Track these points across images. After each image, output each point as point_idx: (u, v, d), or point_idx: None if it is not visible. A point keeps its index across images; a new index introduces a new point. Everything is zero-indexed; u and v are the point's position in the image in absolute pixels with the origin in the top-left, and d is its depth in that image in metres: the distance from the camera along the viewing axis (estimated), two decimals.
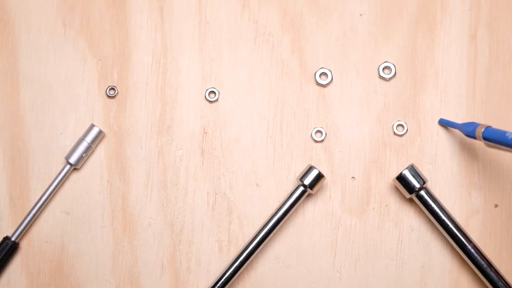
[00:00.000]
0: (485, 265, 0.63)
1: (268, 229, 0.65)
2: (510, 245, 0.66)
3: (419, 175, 0.64)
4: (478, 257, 0.63)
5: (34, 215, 0.67)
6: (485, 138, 0.59)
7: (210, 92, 0.69)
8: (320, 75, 0.68)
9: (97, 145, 0.68)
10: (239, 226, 0.67)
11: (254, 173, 0.68)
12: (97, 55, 0.70)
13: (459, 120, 0.67)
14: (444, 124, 0.67)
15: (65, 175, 0.67)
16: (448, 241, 0.65)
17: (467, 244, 0.63)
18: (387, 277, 0.66)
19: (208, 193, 0.68)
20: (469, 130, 0.62)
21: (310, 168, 0.65)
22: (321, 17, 0.69)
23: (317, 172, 0.64)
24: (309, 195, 0.67)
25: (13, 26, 0.70)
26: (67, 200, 0.68)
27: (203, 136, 0.68)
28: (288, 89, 0.69)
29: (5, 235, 0.67)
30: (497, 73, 0.68)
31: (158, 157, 0.68)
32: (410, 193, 0.64)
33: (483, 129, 0.59)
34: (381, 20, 0.69)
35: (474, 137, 0.61)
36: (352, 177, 0.67)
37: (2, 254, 0.66)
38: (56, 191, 0.68)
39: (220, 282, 0.65)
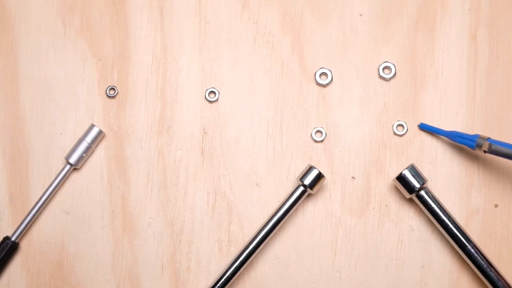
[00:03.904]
0: (485, 265, 0.63)
1: (268, 229, 0.65)
2: (510, 245, 0.66)
3: (419, 175, 0.64)
4: (478, 257, 0.63)
5: (34, 215, 0.67)
6: (492, 152, 0.61)
7: (210, 92, 0.69)
8: (320, 75, 0.68)
9: (97, 145, 0.68)
10: (239, 226, 0.67)
11: (254, 173, 0.68)
12: (97, 55, 0.70)
13: (459, 120, 0.67)
14: (426, 129, 0.67)
15: (65, 175, 0.67)
16: (448, 241, 0.65)
17: (467, 244, 0.63)
18: (387, 277, 0.66)
19: (208, 193, 0.68)
20: (463, 135, 0.64)
21: (310, 168, 0.65)
22: (321, 17, 0.69)
23: (317, 172, 0.64)
24: (309, 195, 0.67)
25: (13, 26, 0.70)
26: (67, 200, 0.68)
27: (203, 136, 0.68)
28: (288, 89, 0.69)
29: (5, 235, 0.67)
30: (497, 73, 0.68)
31: (158, 157, 0.68)
32: (410, 193, 0.64)
33: (484, 141, 0.61)
34: (381, 20, 0.69)
35: (471, 145, 0.63)
36: (352, 177, 0.67)
37: (2, 254, 0.66)
38: (56, 191, 0.68)
39: (220, 282, 0.65)
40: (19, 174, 0.69)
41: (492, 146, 0.61)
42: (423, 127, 0.67)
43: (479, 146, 0.62)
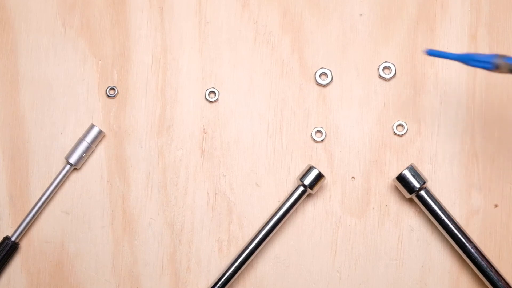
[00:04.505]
0: (485, 265, 0.63)
1: (268, 229, 0.65)
2: (510, 245, 0.66)
3: (419, 175, 0.64)
4: (478, 257, 0.63)
5: (34, 215, 0.67)
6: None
7: (210, 92, 0.69)
8: (320, 75, 0.68)
9: (97, 145, 0.68)
10: (239, 226, 0.67)
11: (254, 173, 0.68)
12: (97, 55, 0.70)
13: (460, 121, 0.67)
14: (435, 55, 0.59)
15: (65, 175, 0.67)
16: (448, 241, 0.65)
17: (467, 244, 0.63)
18: (387, 277, 0.66)
19: (208, 193, 0.68)
20: (479, 58, 0.57)
21: (310, 168, 0.65)
22: (321, 17, 0.69)
23: (317, 172, 0.64)
24: (309, 195, 0.67)
25: (13, 26, 0.70)
26: (67, 200, 0.68)
27: (203, 136, 0.68)
28: (288, 89, 0.69)
29: (5, 235, 0.67)
30: (497, 73, 0.68)
31: (158, 157, 0.68)
32: (410, 193, 0.64)
33: (502, 61, 0.56)
34: (381, 20, 0.69)
35: (488, 67, 0.57)
36: (352, 177, 0.67)
37: (2, 254, 0.66)
38: (56, 191, 0.68)
39: (220, 282, 0.65)
40: (19, 174, 0.69)
41: None
42: (431, 53, 0.59)
43: (497, 67, 0.56)
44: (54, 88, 0.69)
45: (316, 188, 0.65)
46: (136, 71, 0.69)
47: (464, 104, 0.68)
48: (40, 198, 0.67)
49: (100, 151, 0.69)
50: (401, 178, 0.64)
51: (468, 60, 0.58)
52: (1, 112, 0.69)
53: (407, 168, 0.64)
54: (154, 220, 0.68)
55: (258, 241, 0.65)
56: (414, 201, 0.66)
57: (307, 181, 0.64)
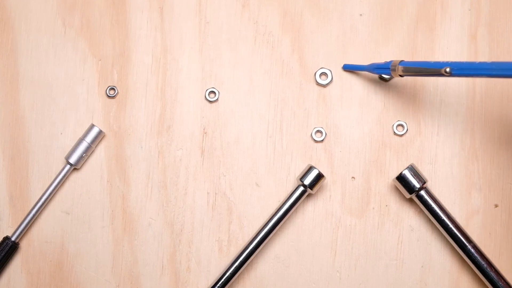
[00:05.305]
0: (485, 265, 0.63)
1: (268, 229, 0.65)
2: (510, 245, 0.66)
3: (419, 175, 0.64)
4: (478, 257, 0.63)
5: (34, 215, 0.67)
6: (404, 65, 0.61)
7: (210, 92, 0.69)
8: (320, 75, 0.68)
9: (97, 145, 0.68)
10: (239, 226, 0.67)
11: (254, 173, 0.68)
12: (97, 55, 0.70)
13: (459, 119, 0.67)
14: (350, 69, 0.68)
15: (65, 175, 0.67)
16: (448, 241, 0.65)
17: (467, 244, 0.63)
18: (387, 277, 0.66)
19: (208, 193, 0.68)
20: (380, 66, 0.64)
21: (310, 168, 0.65)
22: (321, 17, 0.69)
23: (317, 172, 0.64)
24: (309, 195, 0.67)
25: (13, 26, 0.70)
26: (67, 200, 0.68)
27: (203, 136, 0.68)
28: (288, 89, 0.69)
29: (5, 235, 0.67)
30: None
31: (158, 157, 0.68)
32: (410, 193, 0.64)
33: (396, 65, 0.62)
34: (381, 20, 0.69)
35: (387, 72, 0.63)
36: (352, 177, 0.67)
37: (2, 254, 0.66)
38: (56, 191, 0.68)
39: (220, 282, 0.65)
40: (19, 174, 0.69)
41: (405, 68, 0.61)
42: (347, 68, 0.68)
43: (394, 71, 0.62)
44: (54, 88, 0.69)
45: (316, 188, 0.65)
46: (136, 71, 0.69)
47: (464, 104, 0.68)
48: (40, 198, 0.67)
49: (100, 151, 0.69)
50: (401, 178, 0.64)
51: (373, 69, 0.65)
52: (1, 112, 0.69)
53: (407, 168, 0.64)
54: (154, 220, 0.68)
55: (258, 241, 0.65)
56: (414, 201, 0.66)
57: (307, 181, 0.64)
